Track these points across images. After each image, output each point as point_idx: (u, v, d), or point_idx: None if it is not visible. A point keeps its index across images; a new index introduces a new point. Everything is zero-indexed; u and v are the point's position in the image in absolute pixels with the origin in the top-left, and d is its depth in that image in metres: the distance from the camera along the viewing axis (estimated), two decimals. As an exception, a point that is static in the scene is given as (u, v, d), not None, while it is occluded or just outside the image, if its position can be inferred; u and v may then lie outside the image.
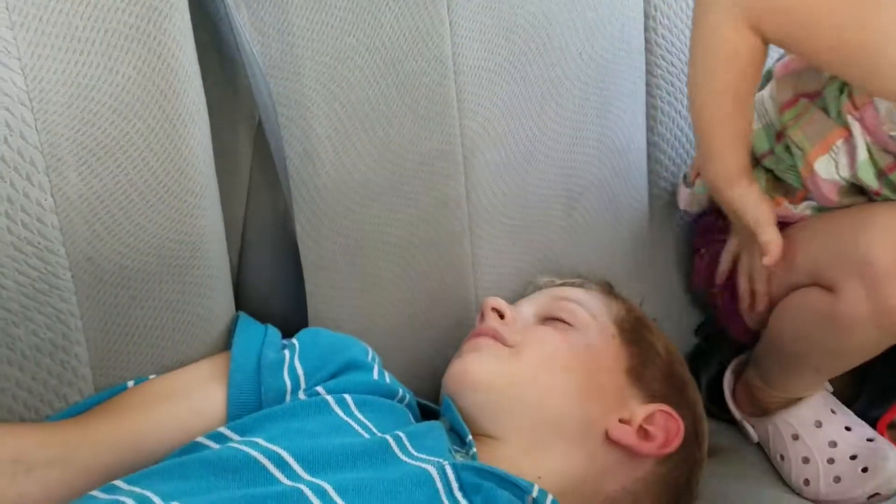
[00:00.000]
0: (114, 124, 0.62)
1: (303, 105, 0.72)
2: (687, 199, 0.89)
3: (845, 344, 0.75)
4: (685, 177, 0.90)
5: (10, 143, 0.59)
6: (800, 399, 0.84)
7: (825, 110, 0.76)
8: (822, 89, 0.77)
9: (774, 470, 0.86)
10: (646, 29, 0.89)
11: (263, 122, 0.69)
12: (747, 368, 0.89)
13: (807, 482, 0.82)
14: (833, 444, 0.82)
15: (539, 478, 0.63)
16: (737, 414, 0.90)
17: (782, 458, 0.85)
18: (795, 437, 0.84)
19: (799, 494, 0.83)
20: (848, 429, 0.83)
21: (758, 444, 0.89)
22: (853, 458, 0.81)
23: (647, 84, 0.90)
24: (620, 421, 0.69)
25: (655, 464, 0.70)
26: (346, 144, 0.74)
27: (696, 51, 0.74)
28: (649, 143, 0.92)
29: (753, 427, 0.88)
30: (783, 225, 0.77)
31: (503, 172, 0.82)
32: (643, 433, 0.69)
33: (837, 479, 0.80)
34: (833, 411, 0.84)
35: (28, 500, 0.58)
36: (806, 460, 0.83)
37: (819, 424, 0.83)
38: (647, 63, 0.90)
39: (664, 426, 0.70)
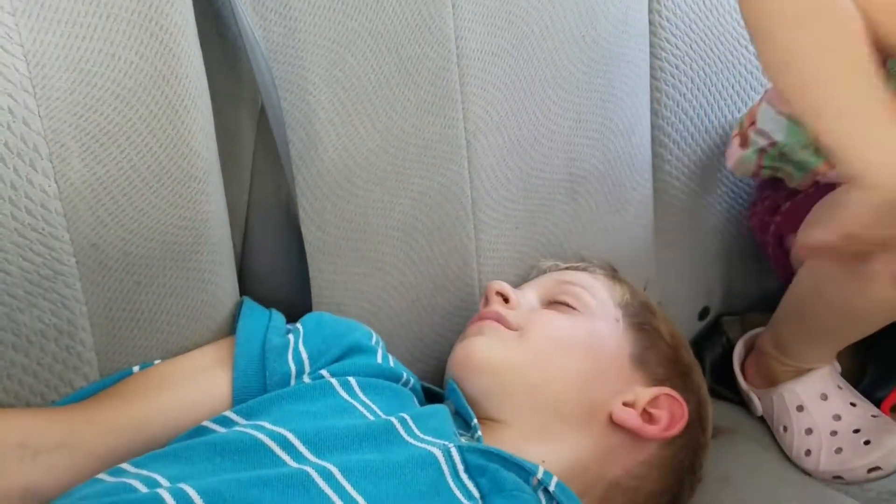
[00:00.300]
0: (116, 110, 0.62)
1: (305, 89, 0.72)
2: (735, 160, 0.87)
3: (864, 302, 0.74)
4: (741, 123, 0.87)
5: (14, 129, 0.58)
6: (808, 371, 0.85)
7: None
8: None
9: (775, 449, 0.86)
10: (650, 11, 0.88)
11: (266, 107, 0.69)
12: (762, 335, 0.90)
13: (808, 452, 0.83)
14: (837, 418, 0.83)
15: (543, 461, 0.63)
16: (743, 385, 0.90)
17: (785, 429, 0.85)
18: (800, 409, 0.84)
19: (799, 467, 0.84)
20: (853, 405, 0.84)
21: (760, 419, 0.89)
22: (856, 431, 0.81)
23: (651, 67, 0.90)
24: (624, 404, 0.69)
25: (660, 447, 0.70)
26: (349, 129, 0.74)
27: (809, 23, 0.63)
28: (653, 127, 0.92)
29: (759, 399, 0.88)
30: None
31: (506, 156, 0.82)
32: (647, 416, 0.70)
33: (839, 451, 0.81)
34: (839, 387, 0.85)
35: (35, 484, 0.58)
36: (809, 431, 0.83)
37: (825, 397, 0.84)
38: (651, 45, 0.89)
39: (668, 409, 0.70)
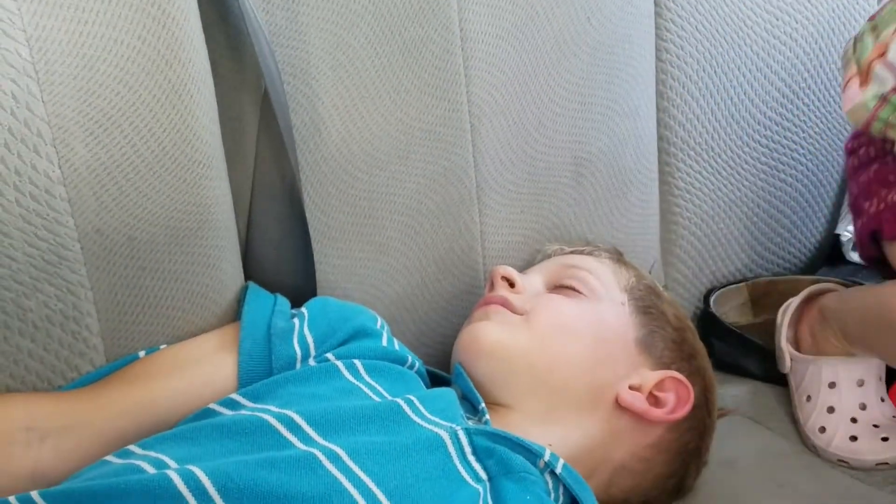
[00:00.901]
0: (119, 95, 0.62)
1: (308, 73, 0.71)
2: (853, 105, 0.76)
3: None
4: (857, 58, 0.78)
5: (17, 114, 0.58)
6: (850, 354, 0.83)
7: None
8: None
9: (781, 432, 0.86)
10: (655, -9, 0.88)
11: (269, 91, 0.69)
12: (835, 307, 0.86)
13: (822, 429, 0.82)
14: (863, 407, 0.82)
15: (550, 445, 0.63)
16: (782, 343, 0.88)
17: (808, 398, 0.84)
18: (832, 386, 0.83)
19: (807, 439, 0.83)
20: (882, 399, 0.83)
21: (765, 403, 0.89)
22: (876, 426, 0.81)
23: (657, 48, 0.89)
24: (631, 388, 0.69)
25: (666, 430, 0.70)
26: (353, 113, 0.74)
27: None
28: (659, 109, 0.91)
29: (791, 361, 0.87)
30: None
31: (510, 139, 0.82)
32: (653, 399, 0.70)
33: (854, 439, 0.80)
34: (880, 378, 0.83)
35: (43, 467, 0.58)
36: (831, 410, 0.82)
37: (861, 384, 0.82)
38: (657, 27, 0.89)
39: (674, 392, 0.70)
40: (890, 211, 0.80)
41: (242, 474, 0.51)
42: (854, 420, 0.81)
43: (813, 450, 0.83)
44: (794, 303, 0.89)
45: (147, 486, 0.50)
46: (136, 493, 0.50)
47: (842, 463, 0.80)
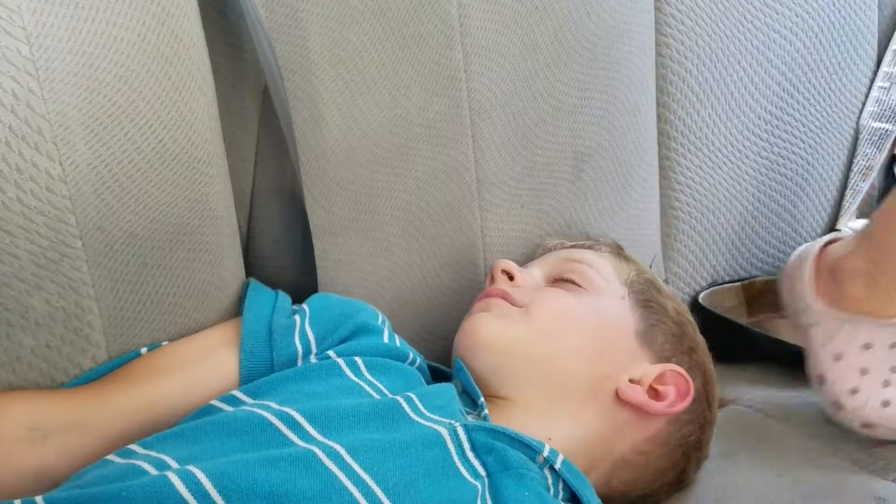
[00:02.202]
0: (119, 92, 0.62)
1: (308, 70, 0.71)
2: None
3: None
4: None
5: (17, 112, 0.58)
6: (890, 318, 0.80)
7: None
8: None
9: (781, 422, 0.85)
10: (655, -13, 0.88)
11: (269, 88, 0.69)
12: (846, 257, 0.82)
13: (854, 391, 0.80)
14: (895, 370, 0.80)
15: (549, 438, 0.64)
16: (811, 294, 0.84)
17: (838, 357, 0.81)
18: (867, 347, 0.81)
19: (826, 400, 0.81)
20: None
21: (765, 393, 0.88)
22: None
23: (657, 43, 0.89)
24: (631, 381, 0.70)
25: (666, 423, 0.70)
26: (353, 109, 0.74)
27: None
28: (658, 103, 0.91)
29: (820, 316, 0.83)
30: None
31: (511, 135, 0.82)
32: (653, 393, 0.70)
33: (886, 404, 0.79)
34: None
35: (47, 466, 0.58)
36: (864, 371, 0.80)
37: (893, 346, 0.80)
38: (657, 21, 0.89)
39: (674, 385, 0.70)
40: None
41: (242, 474, 0.51)
42: (887, 383, 0.79)
43: (833, 408, 0.81)
44: (810, 255, 0.85)
45: (149, 490, 0.50)
46: (138, 499, 0.50)
47: (865, 427, 0.79)
